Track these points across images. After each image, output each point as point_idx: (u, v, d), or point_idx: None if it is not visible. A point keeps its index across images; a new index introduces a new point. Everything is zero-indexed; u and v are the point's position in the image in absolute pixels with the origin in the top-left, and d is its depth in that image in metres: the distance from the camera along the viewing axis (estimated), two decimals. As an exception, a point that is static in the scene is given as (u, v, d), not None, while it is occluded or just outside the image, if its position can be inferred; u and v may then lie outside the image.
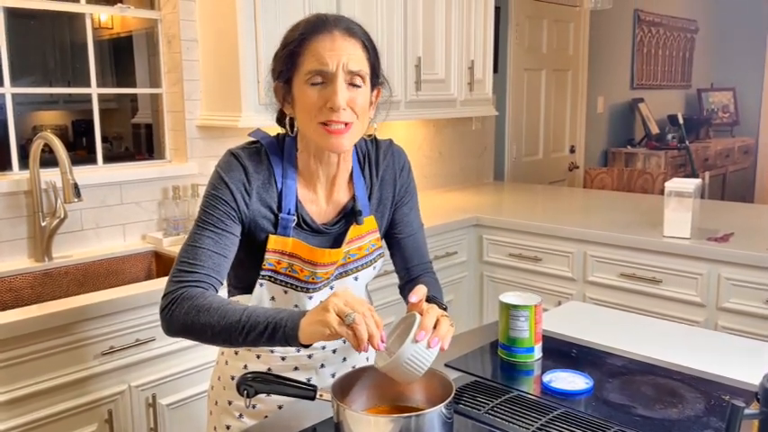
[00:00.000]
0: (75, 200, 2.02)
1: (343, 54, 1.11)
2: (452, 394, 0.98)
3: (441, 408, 0.96)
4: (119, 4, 2.41)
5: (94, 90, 2.38)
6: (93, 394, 1.74)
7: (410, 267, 1.37)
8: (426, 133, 3.58)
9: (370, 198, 1.30)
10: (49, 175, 2.13)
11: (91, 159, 2.40)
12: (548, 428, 1.10)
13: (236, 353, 1.30)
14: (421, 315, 1.02)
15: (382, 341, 0.98)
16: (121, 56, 2.55)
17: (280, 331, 1.02)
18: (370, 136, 1.31)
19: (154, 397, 1.84)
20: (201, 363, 1.93)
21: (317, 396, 1.04)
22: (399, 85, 2.88)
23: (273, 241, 1.19)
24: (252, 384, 1.02)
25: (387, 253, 1.37)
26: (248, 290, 1.24)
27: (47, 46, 2.37)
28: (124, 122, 2.62)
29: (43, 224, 2.11)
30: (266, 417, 1.28)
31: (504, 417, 1.14)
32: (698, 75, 6.68)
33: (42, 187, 2.13)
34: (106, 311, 1.73)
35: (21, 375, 1.62)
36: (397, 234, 1.36)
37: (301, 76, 1.13)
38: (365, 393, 1.10)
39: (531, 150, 4.45)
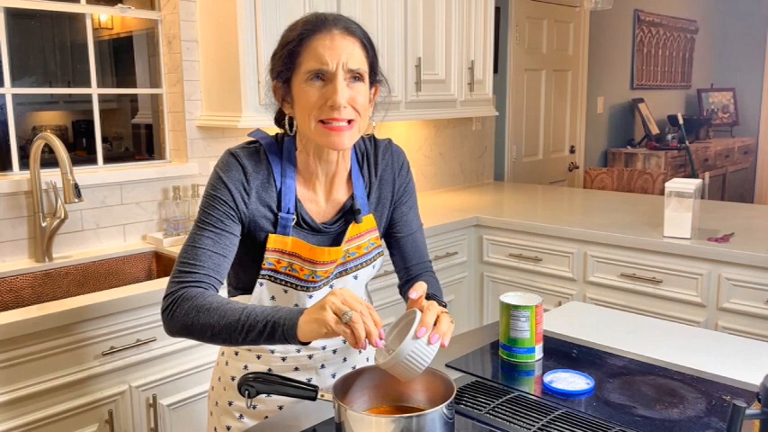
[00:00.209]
0: (76, 200, 2.03)
1: (342, 53, 1.12)
2: (453, 395, 0.98)
3: (442, 408, 0.96)
4: (119, 5, 2.41)
5: (95, 90, 2.38)
6: (94, 395, 1.74)
7: (409, 267, 1.37)
8: (426, 133, 3.58)
9: (368, 197, 1.30)
10: (50, 176, 2.14)
11: (91, 160, 2.40)
12: (548, 429, 1.10)
13: (237, 353, 1.30)
14: (421, 312, 1.03)
15: (380, 338, 0.98)
16: (122, 56, 2.55)
17: (279, 330, 1.02)
18: (368, 135, 1.31)
19: (154, 397, 1.84)
20: (202, 363, 1.93)
21: (318, 396, 1.04)
22: (399, 86, 2.88)
23: (273, 240, 1.19)
24: (253, 385, 1.03)
25: (386, 252, 1.37)
26: (248, 289, 1.24)
27: (47, 46, 2.37)
28: (124, 123, 2.62)
29: (43, 224, 2.11)
30: (267, 417, 1.28)
31: (504, 417, 1.14)
32: (698, 75, 6.68)
33: (43, 188, 2.13)
34: (106, 312, 1.73)
35: (21, 376, 1.62)
36: (396, 233, 1.36)
37: (301, 76, 1.13)
38: (366, 394, 1.10)
39: (531, 151, 4.44)
